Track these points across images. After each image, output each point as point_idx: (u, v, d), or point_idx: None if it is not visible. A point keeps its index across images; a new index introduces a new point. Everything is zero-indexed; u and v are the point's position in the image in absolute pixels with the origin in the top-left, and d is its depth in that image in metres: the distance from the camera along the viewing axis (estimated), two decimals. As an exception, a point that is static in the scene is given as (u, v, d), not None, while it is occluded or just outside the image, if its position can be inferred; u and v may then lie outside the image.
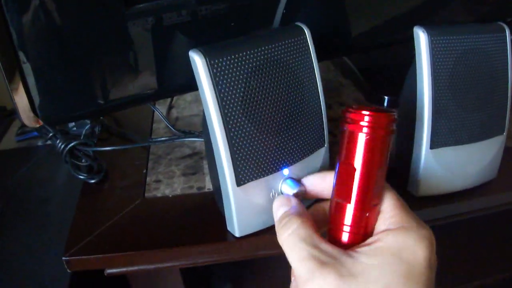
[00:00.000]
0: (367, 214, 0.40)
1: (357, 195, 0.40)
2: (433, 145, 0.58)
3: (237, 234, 0.56)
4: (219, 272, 0.81)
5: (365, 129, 0.39)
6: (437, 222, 0.63)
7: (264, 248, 0.58)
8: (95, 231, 0.59)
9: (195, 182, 0.66)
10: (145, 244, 0.57)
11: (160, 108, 0.81)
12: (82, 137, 0.72)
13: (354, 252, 0.38)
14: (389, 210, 0.41)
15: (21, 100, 0.54)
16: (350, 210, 0.40)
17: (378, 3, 0.69)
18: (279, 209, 0.45)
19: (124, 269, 0.59)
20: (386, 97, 0.81)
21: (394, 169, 0.66)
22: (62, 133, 0.70)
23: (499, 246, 0.83)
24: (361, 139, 0.39)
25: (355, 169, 0.40)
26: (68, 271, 0.57)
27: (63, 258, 0.56)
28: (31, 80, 0.53)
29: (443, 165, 0.60)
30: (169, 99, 0.85)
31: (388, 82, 0.85)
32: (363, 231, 0.41)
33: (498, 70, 0.59)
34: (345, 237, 0.41)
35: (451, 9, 0.77)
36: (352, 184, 0.40)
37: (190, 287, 0.68)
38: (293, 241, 0.40)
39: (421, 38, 0.55)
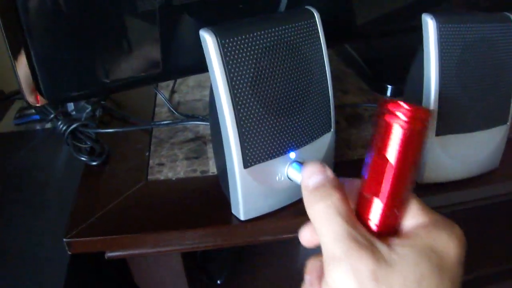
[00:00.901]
0: (396, 211, 0.38)
1: (389, 190, 0.37)
2: (439, 132, 0.58)
3: (242, 218, 0.56)
4: (217, 259, 0.81)
5: (403, 122, 0.36)
6: (440, 210, 0.63)
7: (268, 232, 0.58)
8: (97, 213, 0.58)
9: (198, 165, 0.65)
10: (148, 227, 0.56)
11: (162, 93, 0.80)
12: (83, 119, 0.71)
13: (387, 242, 0.36)
14: (417, 208, 0.38)
15: (25, 78, 0.54)
16: (378, 205, 0.38)
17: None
18: (312, 176, 0.40)
19: (125, 252, 0.58)
20: (389, 86, 0.81)
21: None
22: (64, 114, 0.69)
23: (501, 237, 0.83)
24: (399, 131, 0.37)
25: (388, 163, 0.37)
26: (69, 253, 0.56)
27: (64, 239, 0.55)
28: (36, 58, 0.52)
29: (447, 152, 0.60)
30: (171, 84, 0.84)
31: (390, 72, 0.85)
32: (390, 228, 0.38)
33: (503, 60, 0.59)
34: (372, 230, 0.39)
35: (454, 3, 0.78)
36: (384, 179, 0.37)
37: (190, 273, 0.68)
38: (330, 215, 0.37)
39: (430, 25, 0.55)
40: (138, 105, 0.81)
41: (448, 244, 0.36)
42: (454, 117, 0.58)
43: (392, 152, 0.37)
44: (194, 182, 0.63)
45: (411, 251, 0.35)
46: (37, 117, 0.85)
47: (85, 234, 0.56)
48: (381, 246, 0.35)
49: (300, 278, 0.41)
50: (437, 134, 0.58)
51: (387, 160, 0.37)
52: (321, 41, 0.54)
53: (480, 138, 0.61)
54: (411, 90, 0.63)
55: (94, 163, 0.66)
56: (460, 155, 0.61)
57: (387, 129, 0.37)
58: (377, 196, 0.38)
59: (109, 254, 0.58)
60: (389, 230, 0.38)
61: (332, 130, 0.58)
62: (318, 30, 0.53)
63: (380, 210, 0.38)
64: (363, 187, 0.39)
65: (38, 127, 0.84)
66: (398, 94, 0.80)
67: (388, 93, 0.81)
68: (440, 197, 0.62)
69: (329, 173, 0.41)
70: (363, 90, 0.84)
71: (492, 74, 0.59)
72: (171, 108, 0.77)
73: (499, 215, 0.85)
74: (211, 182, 0.62)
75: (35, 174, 0.74)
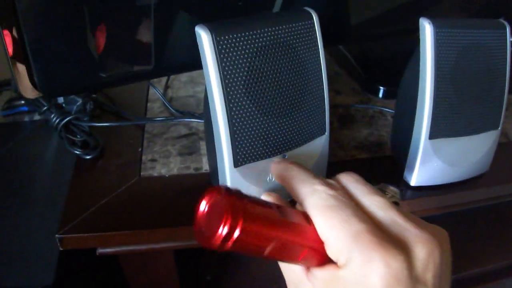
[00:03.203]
0: (301, 264, 0.37)
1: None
2: (432, 135, 0.59)
3: None
4: (207, 255, 0.81)
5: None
6: (431, 212, 0.64)
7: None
8: (90, 209, 0.58)
9: (191, 162, 0.65)
10: (141, 224, 0.56)
11: (157, 88, 0.80)
12: (73, 112, 0.70)
13: (316, 276, 0.36)
14: (332, 244, 0.34)
15: (20, 70, 0.53)
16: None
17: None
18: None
19: (117, 249, 0.58)
20: (381, 88, 0.81)
21: (391, 157, 0.68)
22: (57, 107, 0.68)
23: (489, 239, 0.85)
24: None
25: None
26: (61, 249, 0.56)
27: (56, 235, 0.55)
28: (31, 50, 0.51)
29: (439, 155, 0.60)
30: (164, 80, 0.84)
31: (383, 73, 0.85)
32: (315, 265, 0.36)
33: (497, 66, 0.60)
34: None
35: (446, 6, 0.78)
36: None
37: (180, 269, 0.68)
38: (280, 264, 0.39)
39: (427, 29, 0.56)
40: (130, 100, 0.80)
41: (359, 283, 0.33)
42: (447, 121, 0.59)
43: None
44: (188, 179, 0.63)
45: (317, 283, 0.36)
46: (26, 108, 0.84)
47: (77, 230, 0.55)
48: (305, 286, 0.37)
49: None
50: (430, 137, 0.59)
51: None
52: (319, 43, 0.53)
53: (472, 142, 0.62)
54: (405, 93, 0.63)
55: (88, 157, 0.66)
56: (452, 158, 0.62)
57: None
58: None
59: (101, 251, 0.58)
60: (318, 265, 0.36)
61: (326, 133, 0.58)
62: (316, 32, 0.53)
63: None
64: None
65: (26, 118, 0.83)
66: (390, 96, 0.80)
67: (380, 95, 0.81)
68: (431, 199, 0.63)
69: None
70: (356, 91, 0.84)
71: (486, 79, 0.59)
72: (168, 105, 0.77)
73: (489, 217, 0.87)
74: (205, 180, 0.62)
75: (23, 167, 0.73)
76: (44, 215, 0.64)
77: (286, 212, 0.35)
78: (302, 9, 0.53)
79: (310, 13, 0.53)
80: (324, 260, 0.35)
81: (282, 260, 0.36)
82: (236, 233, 0.30)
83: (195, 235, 0.32)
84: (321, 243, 0.35)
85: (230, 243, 0.30)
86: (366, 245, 0.33)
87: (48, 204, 0.66)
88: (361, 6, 0.70)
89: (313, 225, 0.35)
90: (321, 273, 0.36)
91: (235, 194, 0.32)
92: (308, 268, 0.37)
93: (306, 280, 0.37)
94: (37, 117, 0.82)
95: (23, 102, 0.83)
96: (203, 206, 0.33)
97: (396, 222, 0.35)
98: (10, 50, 0.51)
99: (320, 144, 0.58)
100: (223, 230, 0.29)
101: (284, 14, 0.55)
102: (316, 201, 0.36)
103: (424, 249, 0.34)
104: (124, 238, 0.56)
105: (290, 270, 0.38)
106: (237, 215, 0.30)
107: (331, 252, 0.35)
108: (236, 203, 0.31)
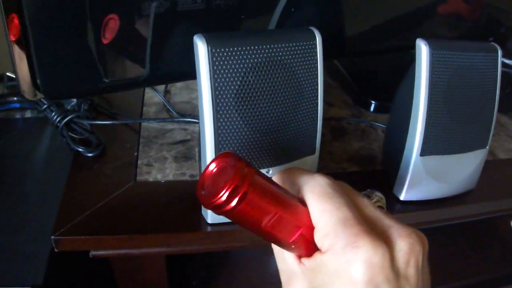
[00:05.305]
0: (293, 246, 0.38)
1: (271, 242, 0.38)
2: (423, 152, 0.61)
3: (209, 220, 0.57)
4: (194, 261, 0.82)
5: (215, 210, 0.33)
6: (418, 226, 0.65)
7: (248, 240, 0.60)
8: (85, 212, 0.58)
9: (187, 169, 0.66)
10: (135, 228, 0.57)
11: (153, 93, 0.81)
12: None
13: (305, 265, 0.38)
14: (321, 229, 0.37)
15: (23, 72, 0.53)
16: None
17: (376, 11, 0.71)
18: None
19: (110, 252, 0.58)
20: (373, 102, 0.83)
21: (382, 172, 0.69)
22: (58, 105, 0.68)
23: (474, 252, 0.87)
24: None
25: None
26: (56, 250, 0.56)
27: (52, 237, 0.55)
28: (36, 53, 0.52)
29: (429, 172, 0.62)
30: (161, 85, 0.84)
31: (375, 87, 0.87)
32: (304, 253, 0.38)
33: (488, 87, 0.62)
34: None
35: (438, 24, 0.80)
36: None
37: (170, 274, 0.68)
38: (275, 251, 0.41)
39: (423, 50, 0.57)
40: (126, 103, 0.80)
41: (347, 271, 0.34)
42: (439, 139, 0.61)
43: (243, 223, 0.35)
44: (183, 186, 0.63)
45: (318, 276, 0.37)
46: (17, 105, 0.83)
47: (73, 232, 0.55)
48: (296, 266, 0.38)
49: (273, 282, 0.43)
50: (421, 154, 0.61)
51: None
52: (318, 64, 0.53)
53: (461, 160, 0.64)
54: (398, 110, 0.65)
55: (91, 154, 0.66)
56: (442, 175, 0.63)
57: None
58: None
59: (94, 253, 0.58)
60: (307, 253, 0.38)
61: (316, 153, 0.58)
62: (316, 53, 0.53)
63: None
64: None
65: (18, 115, 0.83)
66: (381, 110, 0.82)
67: (372, 109, 0.83)
68: (419, 214, 0.65)
69: None
70: (348, 104, 0.85)
71: (477, 100, 0.61)
72: (169, 107, 0.78)
73: (475, 231, 0.89)
74: (200, 187, 0.63)
75: (14, 165, 0.73)
76: (36, 214, 0.64)
77: (287, 192, 0.37)
78: (306, 29, 0.53)
79: (314, 33, 0.53)
80: (314, 248, 0.37)
81: (275, 238, 0.37)
82: (238, 196, 0.31)
83: (196, 194, 0.34)
84: (312, 228, 0.37)
85: (231, 205, 0.31)
86: (353, 232, 0.35)
87: (39, 202, 0.66)
88: (357, 22, 0.72)
89: (308, 209, 0.37)
90: (308, 262, 0.38)
91: (245, 162, 0.33)
92: (299, 258, 0.39)
93: (298, 271, 0.38)
94: (29, 114, 0.82)
95: (15, 98, 0.82)
96: (212, 166, 0.34)
97: (381, 219, 0.38)
98: (15, 51, 0.52)
99: (308, 163, 0.58)
100: (227, 191, 0.31)
101: (286, 32, 0.55)
102: (313, 187, 0.37)
103: (407, 244, 0.36)
104: (119, 242, 0.57)
105: (283, 260, 0.40)
106: (243, 180, 0.32)
107: (318, 237, 0.36)
108: (244, 170, 0.32)
